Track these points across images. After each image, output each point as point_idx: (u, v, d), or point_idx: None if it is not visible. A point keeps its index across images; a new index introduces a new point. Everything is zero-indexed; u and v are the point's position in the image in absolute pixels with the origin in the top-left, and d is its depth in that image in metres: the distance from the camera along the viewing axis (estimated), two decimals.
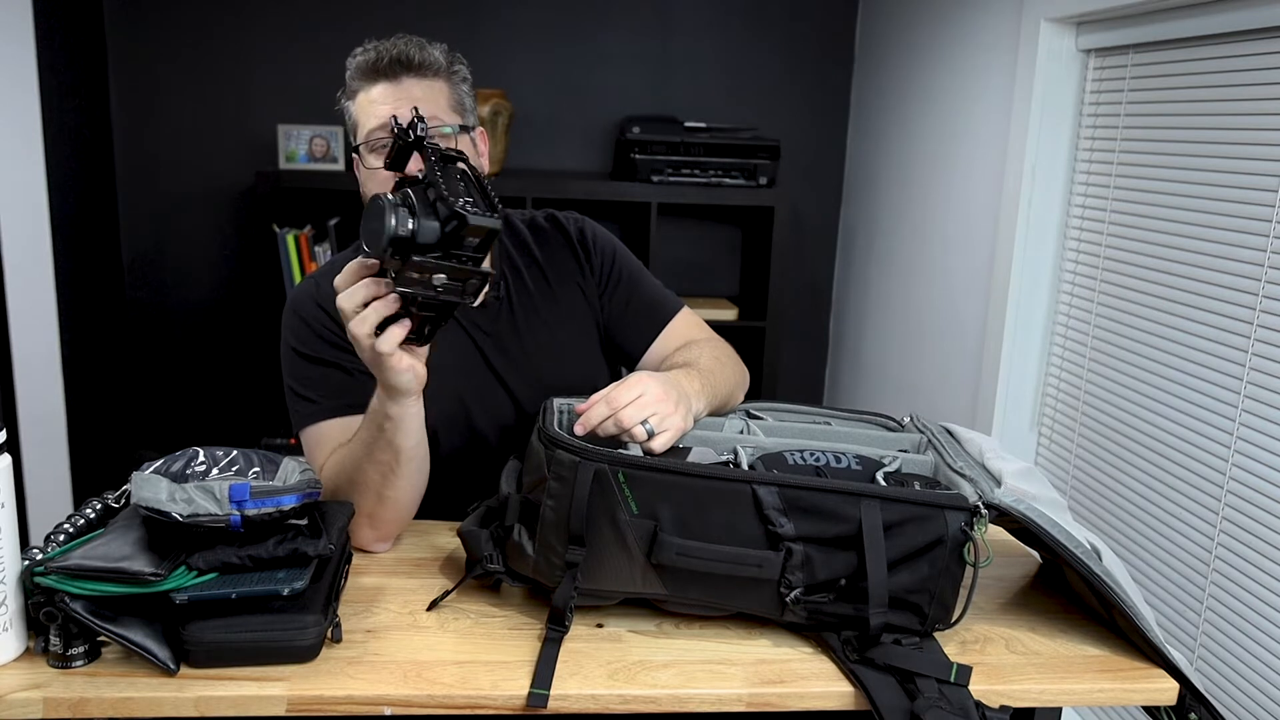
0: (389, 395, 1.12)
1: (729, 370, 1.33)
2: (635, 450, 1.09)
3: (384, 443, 1.15)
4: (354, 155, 1.37)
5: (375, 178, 1.31)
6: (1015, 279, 2.16)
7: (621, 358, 1.49)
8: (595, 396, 1.11)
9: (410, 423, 1.15)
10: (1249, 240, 1.59)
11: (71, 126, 2.63)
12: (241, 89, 2.89)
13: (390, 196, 1.01)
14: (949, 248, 2.49)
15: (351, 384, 1.32)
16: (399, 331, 1.05)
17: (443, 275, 1.00)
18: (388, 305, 1.03)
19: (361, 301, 1.04)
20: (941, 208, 2.54)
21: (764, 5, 3.04)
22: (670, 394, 1.12)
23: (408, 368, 1.08)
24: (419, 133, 1.06)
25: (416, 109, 1.10)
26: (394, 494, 1.19)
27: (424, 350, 1.10)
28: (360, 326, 1.04)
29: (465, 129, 1.34)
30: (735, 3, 3.02)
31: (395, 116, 1.10)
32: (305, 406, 1.32)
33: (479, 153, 1.37)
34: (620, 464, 1.01)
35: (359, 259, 1.05)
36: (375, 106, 1.31)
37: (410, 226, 0.99)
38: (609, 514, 1.01)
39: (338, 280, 1.06)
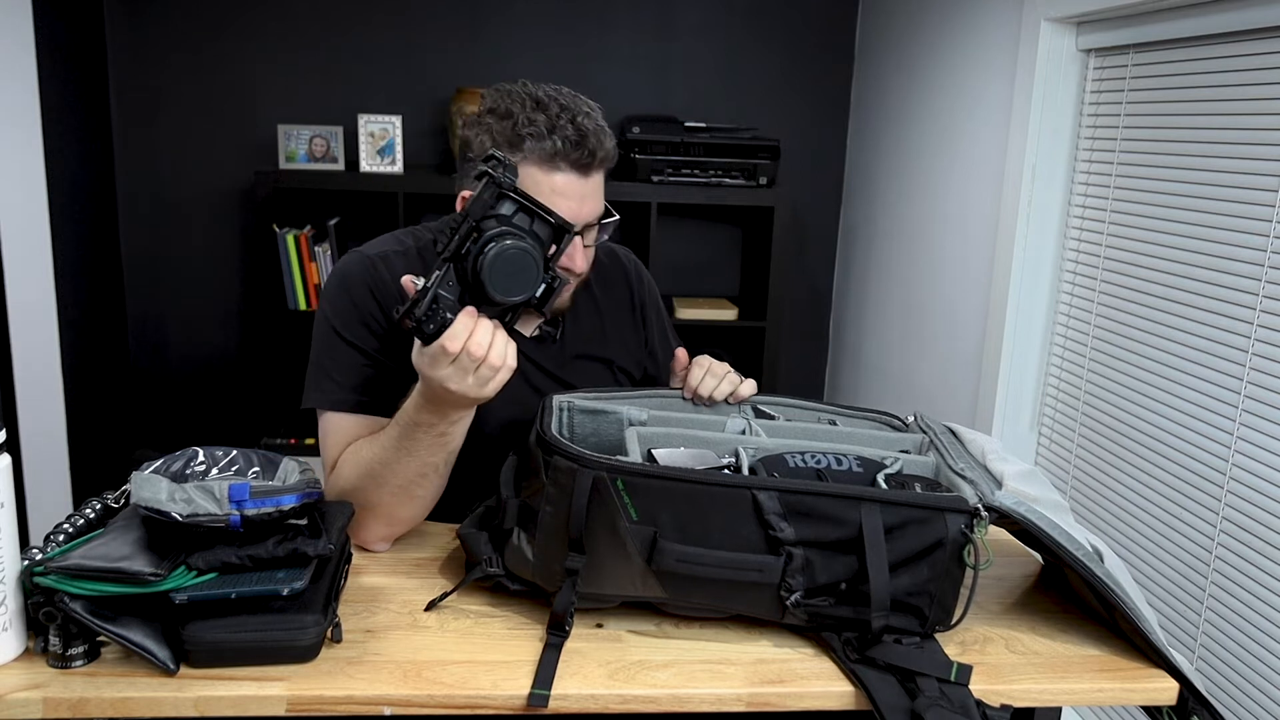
0: (467, 405, 1.14)
1: None
2: (634, 456, 1.09)
3: (437, 446, 1.17)
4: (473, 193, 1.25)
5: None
6: (1015, 279, 2.16)
7: None
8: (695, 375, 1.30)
9: (465, 427, 1.19)
10: (1249, 240, 1.59)
11: (71, 127, 2.63)
12: (241, 89, 2.89)
13: (531, 249, 1.09)
14: (949, 248, 2.49)
15: (377, 381, 1.30)
16: (514, 347, 1.11)
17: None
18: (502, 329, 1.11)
19: (490, 334, 1.08)
20: (941, 208, 2.53)
21: (764, 5, 3.03)
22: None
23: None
24: (512, 179, 1.12)
25: (496, 156, 1.12)
26: (424, 494, 1.21)
27: None
28: (508, 348, 1.10)
29: (610, 214, 1.31)
30: (735, 3, 3.02)
31: (492, 171, 1.10)
32: (330, 387, 1.29)
33: None
34: (619, 471, 1.00)
35: (465, 313, 1.07)
36: (557, 199, 1.21)
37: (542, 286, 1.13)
38: (608, 521, 1.01)
39: (457, 337, 1.06)
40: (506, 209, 1.11)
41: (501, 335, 1.09)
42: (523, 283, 1.09)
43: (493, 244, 1.08)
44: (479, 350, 1.06)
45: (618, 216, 1.31)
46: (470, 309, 1.07)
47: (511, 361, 1.10)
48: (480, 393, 1.09)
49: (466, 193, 1.26)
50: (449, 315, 1.06)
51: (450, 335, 1.05)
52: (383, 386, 1.29)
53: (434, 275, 1.08)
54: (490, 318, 1.10)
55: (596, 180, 1.26)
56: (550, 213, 1.13)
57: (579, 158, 1.21)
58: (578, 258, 1.26)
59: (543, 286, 1.12)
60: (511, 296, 1.09)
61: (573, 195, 1.23)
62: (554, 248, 1.15)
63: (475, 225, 1.09)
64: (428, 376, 1.09)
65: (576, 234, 1.18)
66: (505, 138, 1.22)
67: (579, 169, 1.23)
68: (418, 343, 1.08)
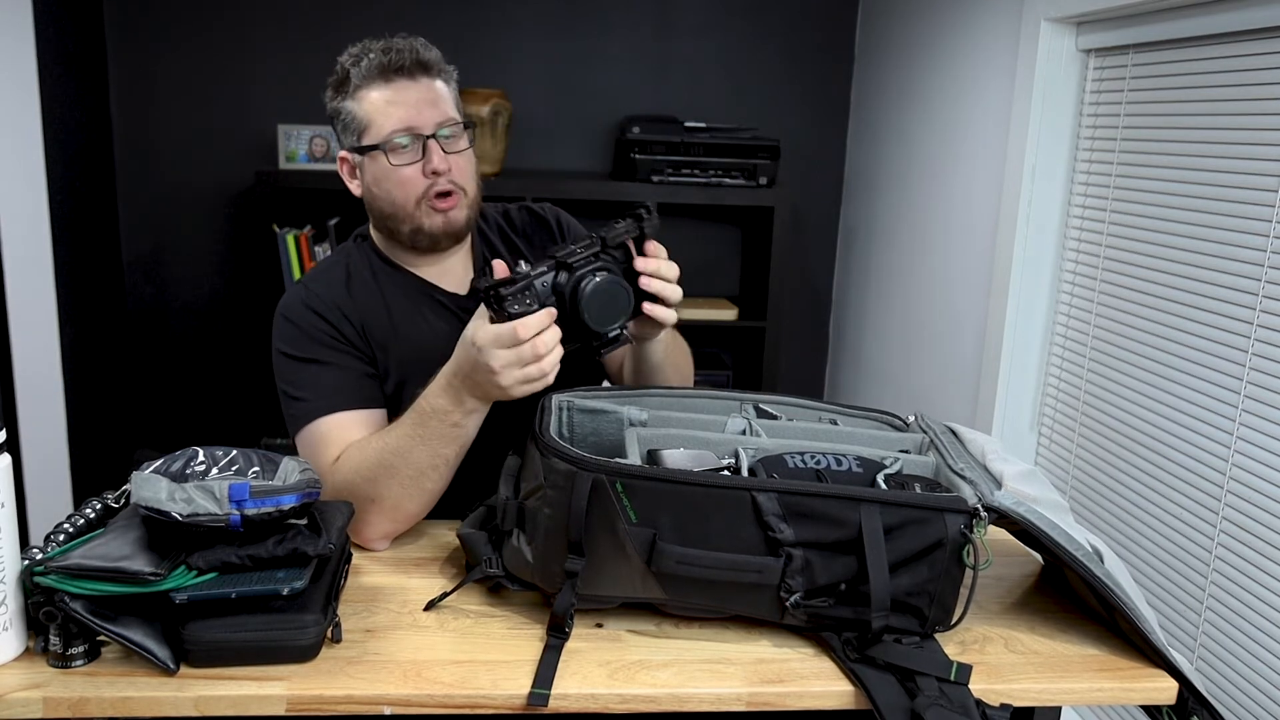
0: (484, 395, 1.17)
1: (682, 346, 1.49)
2: (634, 457, 1.09)
3: (450, 438, 1.19)
4: (356, 154, 1.36)
5: (396, 177, 1.32)
6: (1015, 279, 2.16)
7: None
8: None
9: (477, 422, 1.21)
10: (1249, 240, 1.59)
11: (71, 126, 2.63)
12: (241, 89, 2.89)
13: (624, 284, 1.16)
14: (949, 248, 2.49)
15: (347, 381, 1.32)
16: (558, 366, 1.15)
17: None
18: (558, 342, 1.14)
19: (557, 340, 1.12)
20: (941, 208, 2.53)
21: (764, 5, 3.03)
22: None
23: None
24: (655, 223, 1.20)
25: (649, 207, 1.20)
26: (432, 487, 1.22)
27: None
28: (555, 350, 1.12)
29: (468, 125, 1.37)
30: (735, 3, 3.02)
31: (643, 212, 1.19)
32: (300, 406, 1.32)
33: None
34: (618, 473, 1.00)
35: (547, 311, 1.11)
36: (394, 108, 1.31)
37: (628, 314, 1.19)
38: (608, 523, 1.01)
39: (530, 326, 1.10)
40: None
41: (560, 351, 1.13)
42: (610, 316, 1.17)
43: (605, 274, 1.15)
44: (543, 348, 1.10)
45: (474, 126, 1.38)
46: (552, 310, 1.12)
47: (551, 379, 1.13)
48: (511, 389, 1.12)
49: (344, 153, 1.36)
50: (533, 306, 1.11)
51: (525, 323, 1.09)
52: (349, 382, 1.32)
53: (538, 268, 1.14)
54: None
55: (431, 86, 1.33)
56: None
57: (396, 61, 1.30)
58: (434, 158, 1.31)
59: (616, 332, 1.19)
60: (594, 324, 1.16)
61: (408, 101, 1.30)
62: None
63: (599, 250, 1.17)
64: (476, 348, 1.11)
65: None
66: (340, 80, 1.34)
67: (404, 74, 1.31)
68: (482, 316, 1.12)
